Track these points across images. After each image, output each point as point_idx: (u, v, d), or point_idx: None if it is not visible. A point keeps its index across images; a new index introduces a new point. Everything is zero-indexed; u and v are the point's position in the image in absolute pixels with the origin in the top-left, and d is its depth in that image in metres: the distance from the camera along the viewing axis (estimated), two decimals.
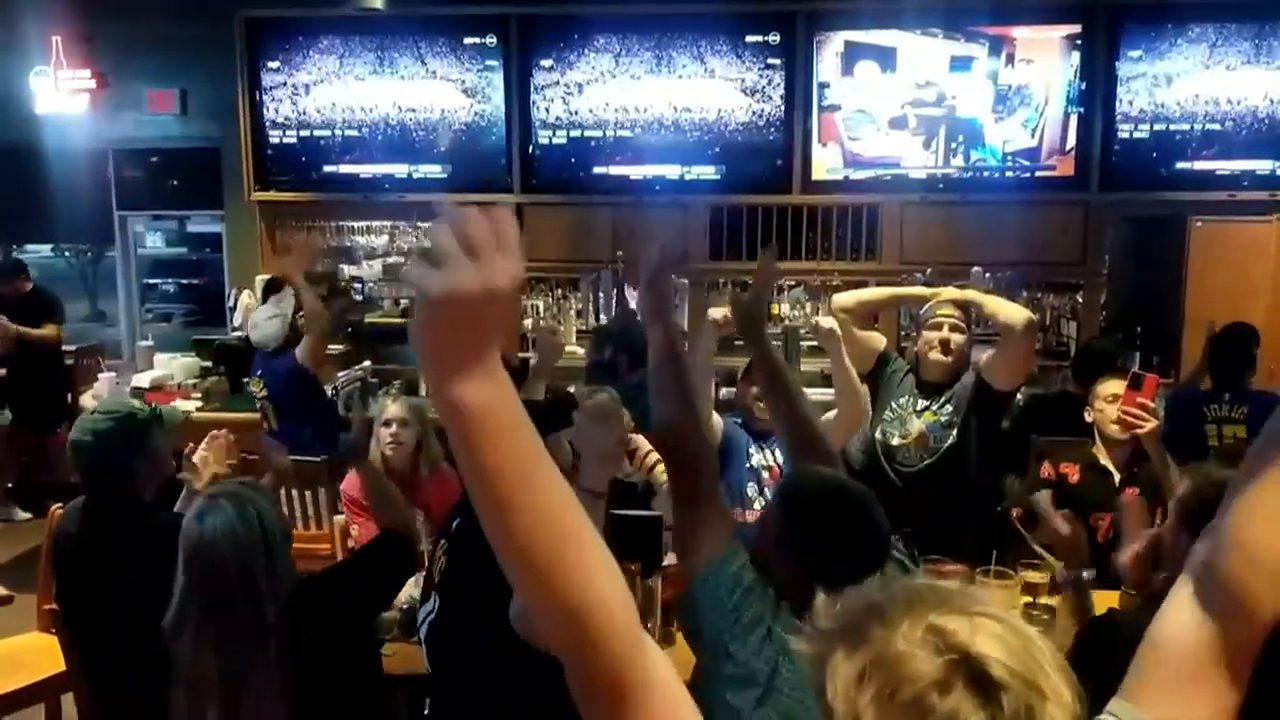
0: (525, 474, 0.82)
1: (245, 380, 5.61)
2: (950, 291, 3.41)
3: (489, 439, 0.80)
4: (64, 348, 6.40)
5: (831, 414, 3.15)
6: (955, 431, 3.20)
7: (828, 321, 3.08)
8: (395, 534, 2.34)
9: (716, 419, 3.26)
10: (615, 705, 0.87)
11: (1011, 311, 3.11)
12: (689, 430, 1.87)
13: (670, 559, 2.86)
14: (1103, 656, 1.93)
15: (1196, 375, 4.71)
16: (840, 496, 1.82)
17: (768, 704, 1.61)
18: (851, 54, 6.04)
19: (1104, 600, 2.56)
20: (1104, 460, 3.25)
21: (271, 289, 6.23)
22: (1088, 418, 3.32)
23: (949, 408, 3.24)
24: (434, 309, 0.78)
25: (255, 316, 4.81)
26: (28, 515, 5.94)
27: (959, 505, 3.17)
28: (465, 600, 2.01)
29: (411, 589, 2.95)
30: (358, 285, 6.65)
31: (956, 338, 3.25)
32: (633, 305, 5.98)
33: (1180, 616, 0.93)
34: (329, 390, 4.77)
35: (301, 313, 4.56)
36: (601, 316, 6.25)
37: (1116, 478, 3.20)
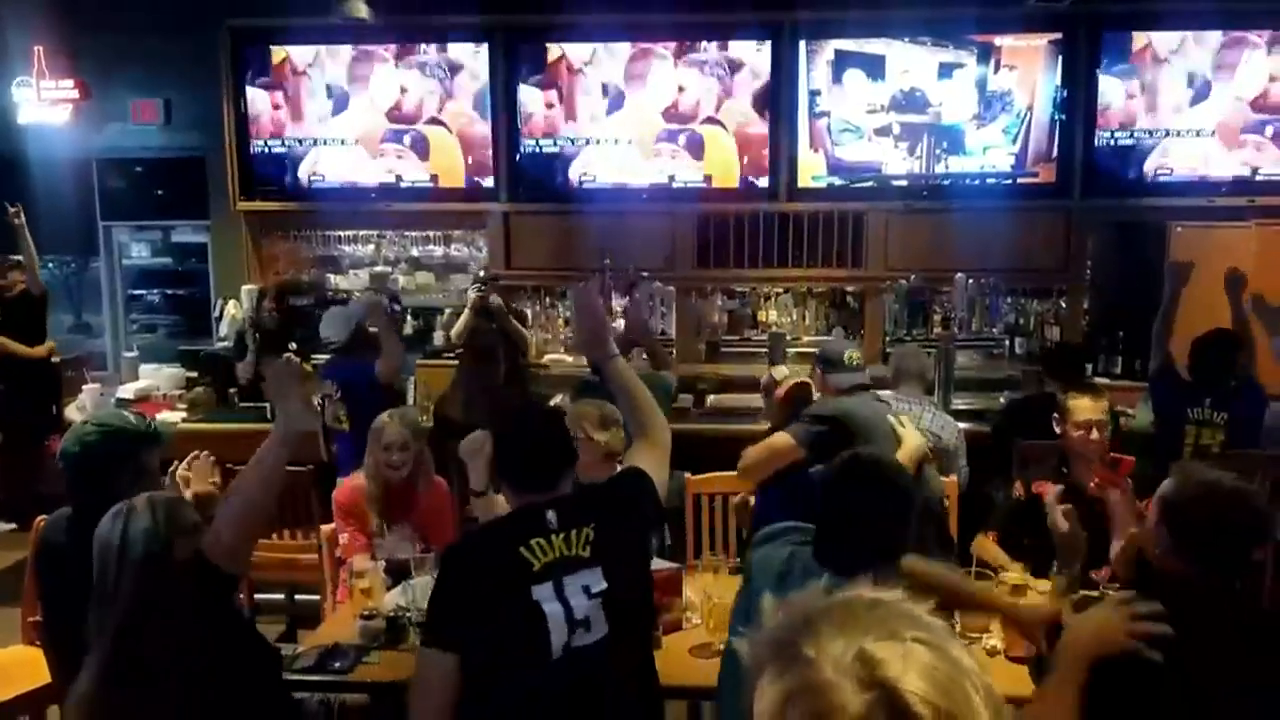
0: None
1: (232, 390, 5.61)
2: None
3: None
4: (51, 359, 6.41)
5: None
6: None
7: None
8: (209, 565, 2.17)
9: None
10: None
11: None
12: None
13: (656, 564, 2.88)
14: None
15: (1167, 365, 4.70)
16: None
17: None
18: (840, 62, 6.08)
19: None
20: (1077, 480, 3.19)
21: (261, 298, 6.23)
22: (1057, 429, 3.32)
23: None
24: None
25: (326, 315, 5.04)
26: (11, 526, 5.91)
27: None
28: (623, 564, 2.19)
29: (398, 596, 2.95)
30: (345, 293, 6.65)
31: None
32: (617, 308, 6.03)
33: None
34: (316, 401, 4.75)
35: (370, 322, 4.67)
36: None
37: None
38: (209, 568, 2.15)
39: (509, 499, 2.29)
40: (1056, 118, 6.02)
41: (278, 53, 6.50)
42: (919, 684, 0.78)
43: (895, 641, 0.81)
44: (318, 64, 6.49)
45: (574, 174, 6.35)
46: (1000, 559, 3.17)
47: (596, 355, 2.48)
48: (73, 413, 5.57)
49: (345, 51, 6.44)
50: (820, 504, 2.20)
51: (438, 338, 6.53)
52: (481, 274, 5.81)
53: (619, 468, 2.59)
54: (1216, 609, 1.91)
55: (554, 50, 6.26)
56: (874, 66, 6.06)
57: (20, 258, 6.12)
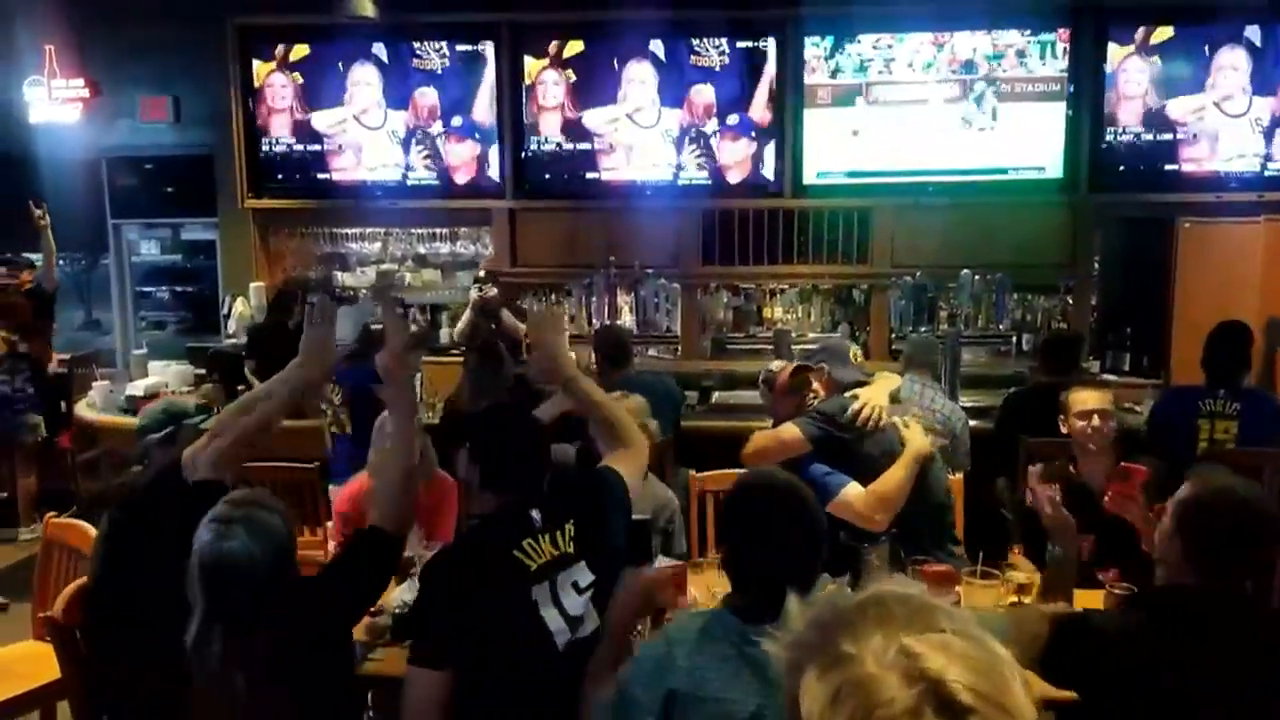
0: None
1: (240, 387, 5.63)
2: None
3: None
4: (59, 356, 6.46)
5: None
6: None
7: None
8: (383, 532, 2.27)
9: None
10: None
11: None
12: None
13: (660, 561, 2.89)
14: (1073, 658, 1.93)
15: None
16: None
17: None
18: (846, 57, 6.07)
19: (1088, 601, 2.58)
20: (1082, 477, 3.15)
21: (278, 299, 6.24)
22: (1062, 429, 3.30)
23: None
24: None
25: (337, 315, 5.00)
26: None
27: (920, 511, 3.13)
28: (603, 556, 2.20)
29: (405, 593, 2.96)
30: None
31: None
32: (621, 303, 6.05)
33: None
34: (323, 406, 4.77)
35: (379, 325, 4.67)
36: (594, 321, 6.28)
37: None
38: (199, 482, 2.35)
39: (490, 501, 2.24)
40: (1064, 112, 5.99)
41: (285, 50, 6.53)
42: (963, 674, 0.80)
43: (933, 634, 0.83)
44: (324, 61, 6.51)
45: (580, 171, 6.35)
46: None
47: (554, 384, 2.59)
48: (83, 410, 5.60)
49: (351, 49, 6.46)
50: (730, 534, 1.95)
51: (444, 335, 6.56)
52: (481, 274, 5.82)
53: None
54: (1230, 616, 1.90)
55: (559, 47, 6.27)
56: (878, 61, 6.05)
57: (36, 257, 6.20)
